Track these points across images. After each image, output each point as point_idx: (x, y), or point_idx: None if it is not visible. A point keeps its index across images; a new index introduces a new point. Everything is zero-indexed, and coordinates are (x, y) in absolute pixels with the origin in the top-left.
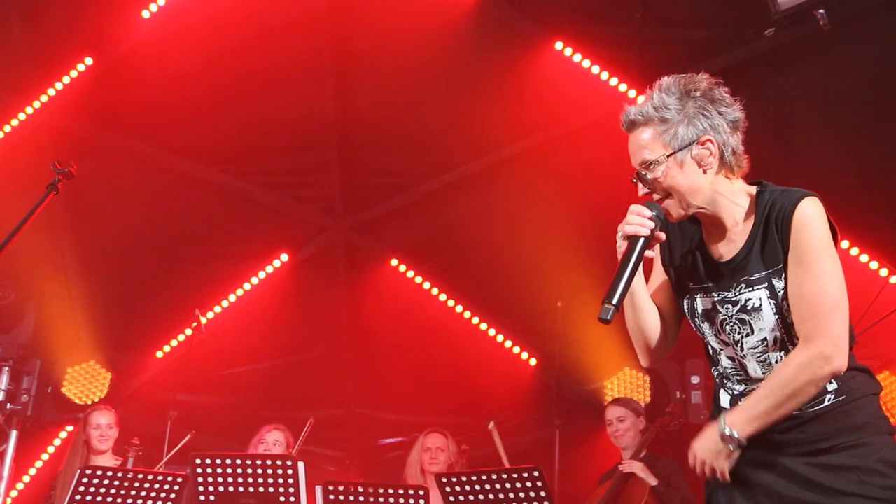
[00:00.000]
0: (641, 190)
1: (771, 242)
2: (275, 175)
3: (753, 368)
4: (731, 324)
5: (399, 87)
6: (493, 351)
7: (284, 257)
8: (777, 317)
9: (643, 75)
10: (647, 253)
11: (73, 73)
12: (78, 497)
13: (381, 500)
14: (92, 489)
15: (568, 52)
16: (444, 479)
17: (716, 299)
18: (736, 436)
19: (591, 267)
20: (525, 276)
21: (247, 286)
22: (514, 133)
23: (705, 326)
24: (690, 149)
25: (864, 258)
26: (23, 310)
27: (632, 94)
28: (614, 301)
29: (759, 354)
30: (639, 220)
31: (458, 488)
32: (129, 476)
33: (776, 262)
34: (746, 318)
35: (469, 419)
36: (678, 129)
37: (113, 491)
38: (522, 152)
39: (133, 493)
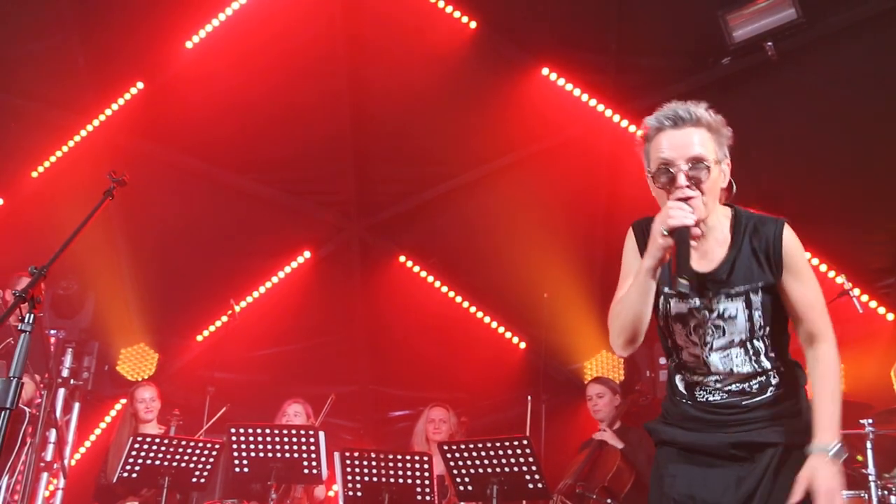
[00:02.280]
0: (682, 181)
1: (756, 263)
2: (299, 183)
3: (714, 363)
4: (705, 328)
5: (407, 108)
6: (488, 335)
7: (307, 254)
8: (748, 324)
9: (618, 97)
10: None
11: (126, 96)
12: (131, 459)
13: (390, 464)
14: (143, 453)
15: (553, 76)
16: (446, 447)
17: (692, 306)
18: (840, 447)
19: (572, 264)
20: (516, 270)
21: (274, 279)
22: (505, 146)
23: (677, 327)
24: (724, 162)
25: (806, 255)
26: (83, 299)
27: (608, 113)
28: (687, 275)
29: (723, 352)
30: (683, 214)
31: (457, 454)
32: (175, 442)
33: (758, 280)
34: (721, 324)
35: (468, 395)
36: (724, 143)
37: (161, 455)
38: (513, 163)
39: (178, 456)
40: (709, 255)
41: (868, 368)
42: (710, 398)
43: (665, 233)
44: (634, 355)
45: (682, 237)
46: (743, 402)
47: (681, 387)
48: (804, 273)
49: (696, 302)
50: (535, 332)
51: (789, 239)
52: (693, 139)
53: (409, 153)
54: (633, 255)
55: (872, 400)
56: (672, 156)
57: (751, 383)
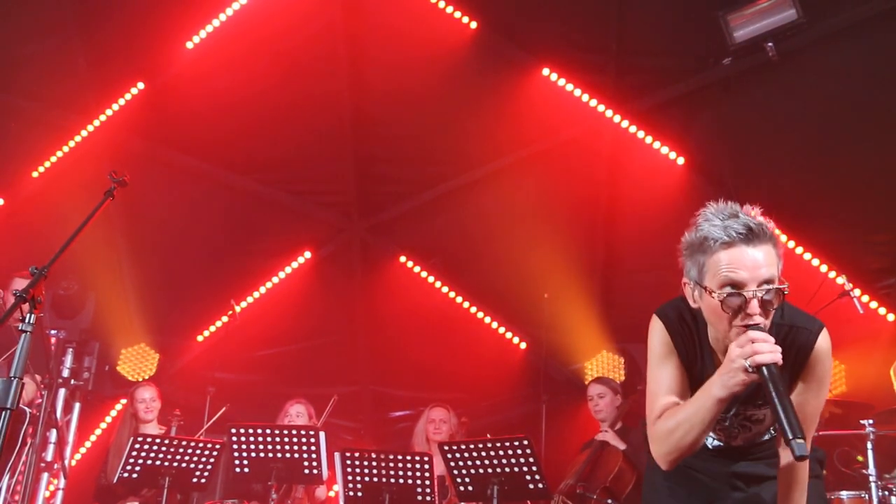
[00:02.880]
0: (755, 308)
1: (786, 372)
2: (299, 183)
3: (737, 443)
4: (733, 426)
5: (407, 108)
6: (489, 336)
7: (308, 254)
8: (772, 421)
9: (618, 97)
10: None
11: (127, 96)
12: (132, 459)
13: (391, 465)
14: (143, 453)
15: (553, 77)
16: (446, 447)
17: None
18: None
19: (572, 264)
20: (516, 270)
21: (275, 279)
22: (506, 147)
23: None
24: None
25: (807, 256)
26: (84, 299)
27: (608, 113)
28: (801, 434)
29: (748, 439)
30: (772, 350)
31: (458, 455)
32: (175, 443)
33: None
34: (749, 424)
35: (468, 395)
36: (781, 256)
37: (161, 455)
38: (513, 164)
39: (178, 457)
40: None
41: (868, 369)
42: (719, 444)
43: (749, 368)
44: (635, 356)
45: (773, 376)
46: (750, 449)
47: None
48: (820, 384)
49: (728, 407)
50: (536, 333)
51: (821, 347)
52: (762, 259)
53: (410, 153)
54: (663, 348)
55: (873, 400)
56: (745, 278)
57: (762, 438)
